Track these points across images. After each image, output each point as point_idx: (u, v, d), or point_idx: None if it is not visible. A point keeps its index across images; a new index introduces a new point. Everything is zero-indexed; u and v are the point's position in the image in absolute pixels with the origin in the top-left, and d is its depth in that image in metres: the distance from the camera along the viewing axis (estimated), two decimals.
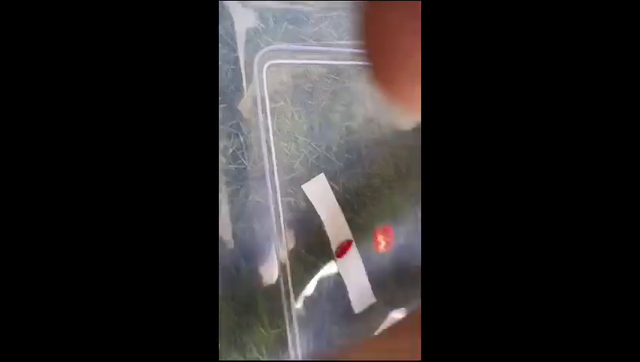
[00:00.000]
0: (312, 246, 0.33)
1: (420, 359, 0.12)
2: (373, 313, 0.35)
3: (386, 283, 0.36)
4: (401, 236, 0.35)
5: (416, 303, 0.35)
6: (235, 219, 0.31)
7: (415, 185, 0.36)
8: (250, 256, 0.32)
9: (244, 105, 0.32)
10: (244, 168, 0.32)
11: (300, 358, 0.33)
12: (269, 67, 0.32)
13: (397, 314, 0.36)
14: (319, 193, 0.33)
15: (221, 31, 0.31)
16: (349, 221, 0.33)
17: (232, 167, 0.31)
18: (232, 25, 0.31)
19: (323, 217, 0.33)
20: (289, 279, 0.32)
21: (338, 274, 0.33)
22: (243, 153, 0.32)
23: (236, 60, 0.31)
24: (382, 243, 0.33)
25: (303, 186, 0.32)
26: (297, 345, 0.33)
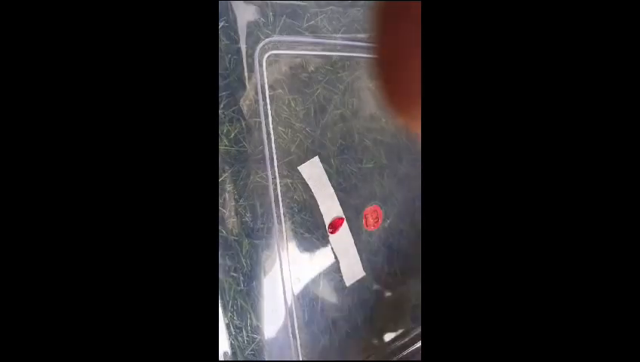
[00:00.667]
0: (307, 223, 0.36)
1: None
2: (363, 287, 0.38)
3: (376, 260, 0.38)
4: (388, 216, 0.38)
5: (402, 278, 0.37)
6: (237, 197, 0.34)
7: (404, 170, 0.38)
8: (251, 231, 0.34)
9: (245, 94, 0.34)
10: (246, 151, 0.34)
11: (297, 339, 0.35)
12: (268, 57, 0.34)
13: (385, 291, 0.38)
14: (314, 174, 0.35)
15: (224, 24, 0.33)
16: (341, 201, 0.36)
17: (234, 149, 0.34)
18: (235, 19, 0.33)
19: (317, 196, 0.35)
20: (287, 253, 0.35)
21: (331, 249, 0.36)
22: (244, 137, 0.34)
23: (238, 51, 0.33)
24: (371, 221, 0.35)
25: (299, 167, 0.35)
26: (294, 316, 0.35)
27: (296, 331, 0.35)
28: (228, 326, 0.34)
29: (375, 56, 0.10)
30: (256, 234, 0.34)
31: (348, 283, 0.37)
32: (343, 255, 0.36)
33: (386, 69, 0.10)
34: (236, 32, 0.33)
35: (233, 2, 0.33)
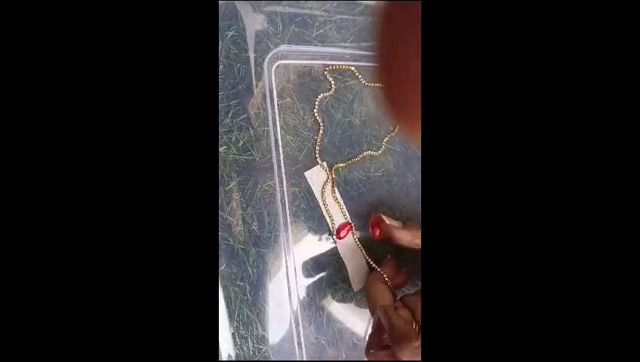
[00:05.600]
0: (314, 231, 0.35)
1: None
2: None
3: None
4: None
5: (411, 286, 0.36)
6: (244, 206, 0.34)
7: (412, 178, 0.38)
8: (258, 240, 0.34)
9: (254, 103, 0.34)
10: (254, 159, 0.34)
11: (303, 350, 0.34)
12: (277, 66, 0.34)
13: None
14: (320, 180, 0.35)
15: (234, 34, 0.33)
16: (348, 209, 0.36)
17: (242, 157, 0.34)
18: (244, 28, 0.33)
19: (321, 203, 0.35)
20: (294, 262, 0.35)
21: (338, 256, 0.35)
22: (252, 145, 0.34)
23: (247, 60, 0.34)
24: (378, 230, 0.35)
25: (305, 173, 0.35)
26: (300, 326, 0.35)
27: (302, 341, 0.35)
28: (233, 336, 0.34)
29: (376, 58, 0.10)
30: (263, 243, 0.34)
31: (356, 289, 0.36)
32: (350, 260, 0.36)
33: (386, 71, 0.10)
34: (245, 41, 0.33)
35: (242, 11, 0.33)
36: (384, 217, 0.34)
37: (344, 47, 0.35)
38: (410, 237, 0.32)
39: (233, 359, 0.33)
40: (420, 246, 0.33)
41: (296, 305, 0.35)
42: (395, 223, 0.33)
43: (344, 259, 0.36)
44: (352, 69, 0.36)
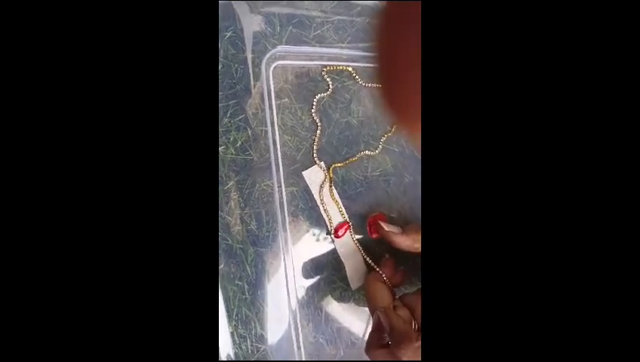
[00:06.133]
0: (313, 230, 0.36)
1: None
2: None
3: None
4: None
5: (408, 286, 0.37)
6: (242, 205, 0.34)
7: (410, 178, 0.38)
8: (256, 239, 0.34)
9: (252, 103, 0.34)
10: (252, 159, 0.34)
11: (302, 348, 0.35)
12: (275, 67, 0.35)
13: None
14: (318, 180, 0.35)
15: (231, 34, 0.34)
16: (346, 208, 0.36)
17: (240, 157, 0.34)
18: (242, 29, 0.34)
19: (320, 203, 0.35)
20: (292, 261, 0.35)
21: (336, 255, 0.36)
22: (250, 145, 0.34)
23: (245, 61, 0.34)
24: (375, 229, 0.35)
25: (303, 173, 0.35)
26: (299, 325, 0.35)
27: (301, 340, 0.35)
28: (232, 335, 0.34)
29: (375, 60, 0.10)
30: (261, 242, 0.34)
31: (354, 287, 0.36)
32: (348, 259, 0.36)
33: (386, 72, 0.10)
34: (243, 41, 0.34)
35: (240, 12, 0.33)
36: (382, 224, 0.34)
37: (342, 48, 0.36)
38: (410, 242, 0.32)
39: (232, 357, 0.34)
40: (419, 250, 0.33)
41: (294, 303, 0.35)
42: (393, 229, 0.33)
43: (342, 258, 0.36)
44: (350, 69, 0.36)
